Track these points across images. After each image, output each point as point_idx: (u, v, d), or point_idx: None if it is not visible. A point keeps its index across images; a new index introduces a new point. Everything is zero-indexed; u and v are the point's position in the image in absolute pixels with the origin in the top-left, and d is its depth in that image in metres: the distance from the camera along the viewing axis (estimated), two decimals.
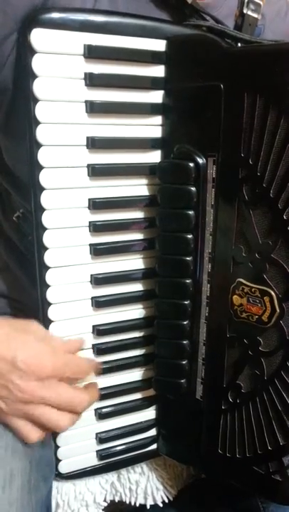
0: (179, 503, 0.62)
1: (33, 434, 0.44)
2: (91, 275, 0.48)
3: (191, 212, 0.46)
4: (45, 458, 0.50)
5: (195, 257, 0.47)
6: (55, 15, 0.41)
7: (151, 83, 0.46)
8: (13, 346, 0.41)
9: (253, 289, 0.44)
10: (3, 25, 0.41)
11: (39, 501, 0.47)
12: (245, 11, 0.53)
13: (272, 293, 0.43)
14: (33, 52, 0.41)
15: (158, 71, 0.46)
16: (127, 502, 0.60)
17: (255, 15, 0.53)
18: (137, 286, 0.51)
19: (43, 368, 0.42)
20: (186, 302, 0.49)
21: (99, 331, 0.50)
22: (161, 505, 0.61)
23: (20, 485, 0.45)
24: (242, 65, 0.41)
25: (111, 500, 0.60)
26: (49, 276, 0.47)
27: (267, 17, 0.57)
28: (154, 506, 0.61)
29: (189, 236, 0.47)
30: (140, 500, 0.60)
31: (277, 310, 0.43)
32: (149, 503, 0.60)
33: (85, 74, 0.43)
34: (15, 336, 0.42)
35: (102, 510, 0.60)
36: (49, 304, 0.47)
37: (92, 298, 0.49)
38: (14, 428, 0.44)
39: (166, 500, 0.61)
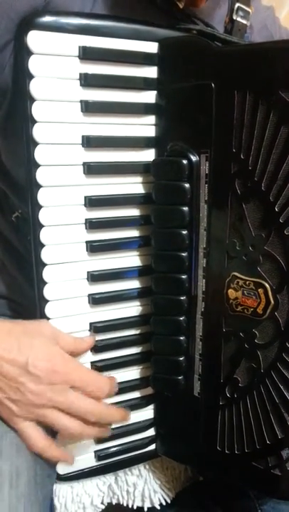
0: (177, 506, 0.61)
1: (40, 441, 0.46)
2: (88, 272, 0.49)
3: (185, 208, 0.47)
4: None
5: (190, 253, 0.48)
6: (51, 18, 0.42)
7: (144, 83, 0.47)
8: (24, 351, 0.42)
9: (247, 282, 0.45)
10: (7, 30, 0.43)
11: (46, 497, 0.48)
12: (234, 17, 0.55)
13: (267, 285, 0.43)
14: (29, 53, 0.42)
15: (150, 72, 0.47)
16: (125, 504, 0.60)
17: (244, 21, 0.55)
18: (134, 284, 0.52)
19: (53, 372, 0.43)
20: (181, 298, 0.49)
21: (96, 328, 0.51)
22: (158, 507, 0.60)
23: (26, 481, 0.46)
24: (231, 63, 0.43)
25: (108, 503, 0.60)
26: (46, 274, 0.47)
27: (254, 27, 0.59)
28: (152, 509, 0.60)
29: (184, 232, 0.48)
30: (137, 503, 0.60)
31: (272, 302, 0.43)
32: (147, 505, 0.60)
33: (80, 74, 0.44)
34: (26, 340, 0.43)
35: None
36: (46, 301, 0.48)
37: (89, 295, 0.50)
38: (23, 432, 0.45)
39: (164, 503, 0.61)
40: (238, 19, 0.54)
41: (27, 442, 0.45)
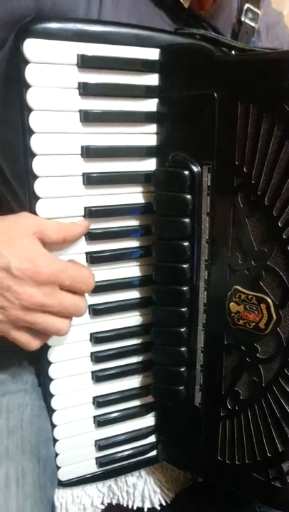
0: (177, 507, 0.62)
1: (34, 342, 0.44)
2: None
3: (186, 220, 0.46)
4: (49, 461, 0.50)
5: (191, 265, 0.47)
6: (47, 25, 0.41)
7: (145, 92, 0.45)
8: (5, 253, 0.40)
9: (249, 296, 0.44)
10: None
11: (50, 501, 0.48)
12: (242, 19, 0.53)
13: (269, 300, 0.43)
14: (26, 62, 0.41)
15: (152, 79, 0.46)
16: (125, 505, 0.61)
17: (252, 23, 0.53)
18: (134, 294, 0.51)
19: (38, 272, 0.40)
20: (183, 309, 0.49)
21: (96, 338, 0.50)
22: (158, 508, 0.61)
23: (31, 482, 0.46)
24: (235, 73, 0.41)
25: (108, 503, 0.60)
26: None
27: (261, 30, 0.57)
28: (152, 509, 0.61)
29: (185, 244, 0.47)
30: (137, 504, 0.61)
31: (274, 317, 0.43)
32: (147, 506, 0.61)
33: (79, 83, 0.43)
34: (7, 242, 0.40)
35: None
36: None
37: (90, 306, 0.49)
38: (15, 339, 0.43)
39: (164, 504, 0.61)
40: (247, 21, 0.52)
41: (21, 345, 0.44)
